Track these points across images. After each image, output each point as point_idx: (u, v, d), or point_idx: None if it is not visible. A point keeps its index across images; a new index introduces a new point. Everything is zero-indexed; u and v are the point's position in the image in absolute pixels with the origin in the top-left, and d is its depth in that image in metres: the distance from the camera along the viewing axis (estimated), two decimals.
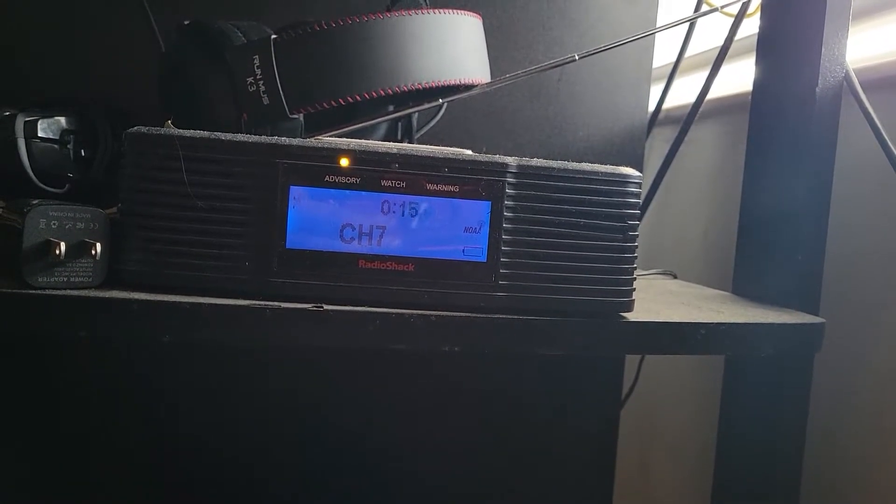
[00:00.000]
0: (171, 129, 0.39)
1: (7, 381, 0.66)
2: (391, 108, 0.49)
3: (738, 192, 0.59)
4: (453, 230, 0.39)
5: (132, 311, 0.36)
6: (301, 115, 0.45)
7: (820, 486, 0.56)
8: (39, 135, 0.48)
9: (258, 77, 0.44)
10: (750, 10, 0.61)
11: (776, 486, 0.53)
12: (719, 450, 0.58)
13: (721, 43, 0.64)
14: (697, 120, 0.66)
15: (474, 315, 0.39)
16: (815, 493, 0.56)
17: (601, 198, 0.40)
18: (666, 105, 0.76)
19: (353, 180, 0.38)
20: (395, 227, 0.39)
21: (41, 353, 0.66)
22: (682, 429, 0.77)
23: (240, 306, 0.37)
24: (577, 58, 0.49)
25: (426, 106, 0.48)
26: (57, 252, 0.35)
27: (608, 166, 0.40)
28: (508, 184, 0.39)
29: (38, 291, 0.35)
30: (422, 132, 0.58)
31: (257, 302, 0.37)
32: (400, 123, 0.55)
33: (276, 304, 0.37)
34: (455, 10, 0.48)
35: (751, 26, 0.61)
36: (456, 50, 0.48)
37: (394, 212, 0.39)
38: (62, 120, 0.49)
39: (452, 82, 0.48)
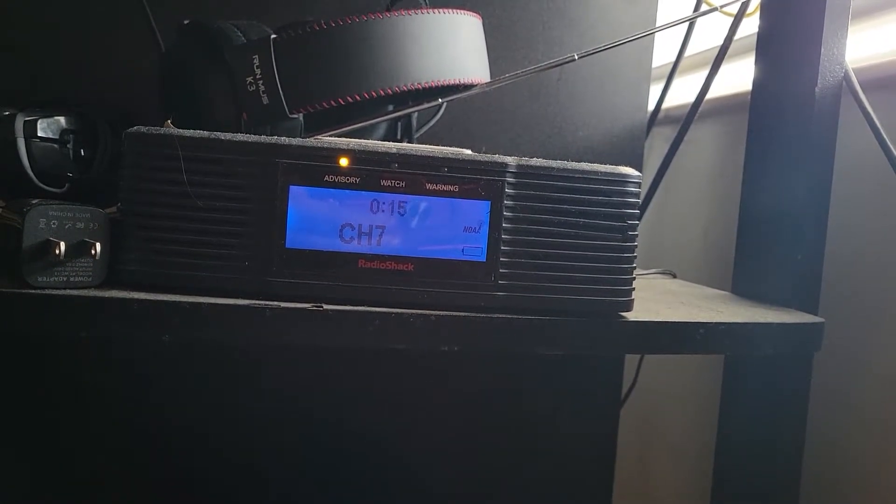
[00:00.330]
0: (170, 128, 0.39)
1: (6, 380, 0.66)
2: (391, 107, 0.49)
3: (737, 192, 0.59)
4: (453, 230, 0.39)
5: (132, 311, 0.36)
6: (301, 114, 0.45)
7: (820, 485, 0.56)
8: (39, 134, 0.47)
9: (258, 77, 0.44)
10: (749, 10, 0.61)
11: (776, 486, 0.53)
12: (719, 449, 0.58)
13: (720, 42, 0.64)
14: (697, 119, 0.66)
15: (474, 315, 0.39)
16: (815, 492, 0.56)
17: (601, 197, 0.40)
18: (665, 105, 0.76)
19: (352, 180, 0.38)
20: (394, 226, 0.39)
21: (40, 352, 0.66)
22: (682, 428, 0.77)
23: (239, 306, 0.37)
24: (576, 57, 0.49)
25: (426, 106, 0.48)
26: (57, 252, 0.35)
27: (608, 166, 0.40)
28: (508, 183, 0.39)
29: (38, 291, 0.35)
30: (421, 132, 0.58)
31: (257, 302, 0.37)
32: (399, 123, 0.55)
33: (275, 303, 0.37)
34: (455, 10, 0.48)
35: (750, 26, 0.61)
36: (455, 50, 0.48)
37: (393, 211, 0.39)
38: (62, 120, 0.49)
39: (452, 82, 0.48)
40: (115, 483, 0.68)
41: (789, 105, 0.53)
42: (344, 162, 0.38)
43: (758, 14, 0.58)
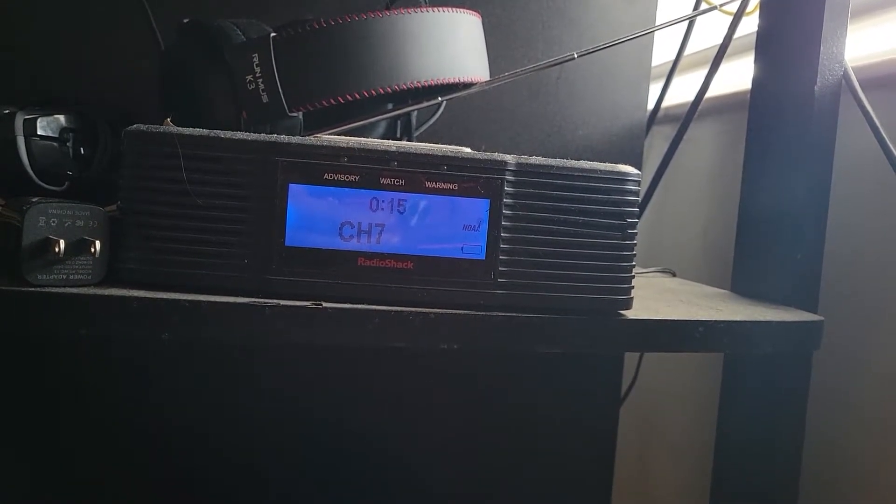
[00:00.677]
0: (170, 126, 0.39)
1: (6, 379, 0.66)
2: (390, 106, 0.49)
3: (737, 191, 0.59)
4: (452, 228, 0.39)
5: (131, 309, 0.36)
6: (300, 113, 0.45)
7: (819, 484, 0.56)
8: (39, 133, 0.47)
9: (257, 75, 0.44)
10: (749, 9, 0.61)
11: (775, 484, 0.53)
12: (718, 448, 0.58)
13: (720, 41, 0.64)
14: (696, 118, 0.66)
15: (473, 313, 0.39)
16: (814, 490, 0.56)
17: (600, 195, 0.40)
18: (665, 103, 0.76)
19: (352, 178, 0.38)
20: (394, 224, 0.39)
21: (40, 350, 0.66)
22: (682, 427, 0.77)
23: (239, 304, 0.37)
24: (575, 56, 0.49)
25: (425, 104, 0.49)
26: (56, 250, 0.35)
27: (607, 164, 0.40)
28: (507, 181, 0.39)
29: (38, 289, 0.35)
30: (421, 130, 0.58)
31: (256, 300, 0.37)
32: (399, 122, 0.55)
33: (275, 301, 0.37)
34: (454, 9, 0.48)
35: (750, 25, 0.61)
36: (455, 48, 0.48)
37: (393, 209, 0.39)
38: (62, 118, 0.49)
39: (451, 80, 0.48)
40: (114, 482, 0.68)
41: (789, 104, 0.53)
42: (343, 160, 0.38)
43: (757, 13, 0.58)
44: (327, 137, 0.41)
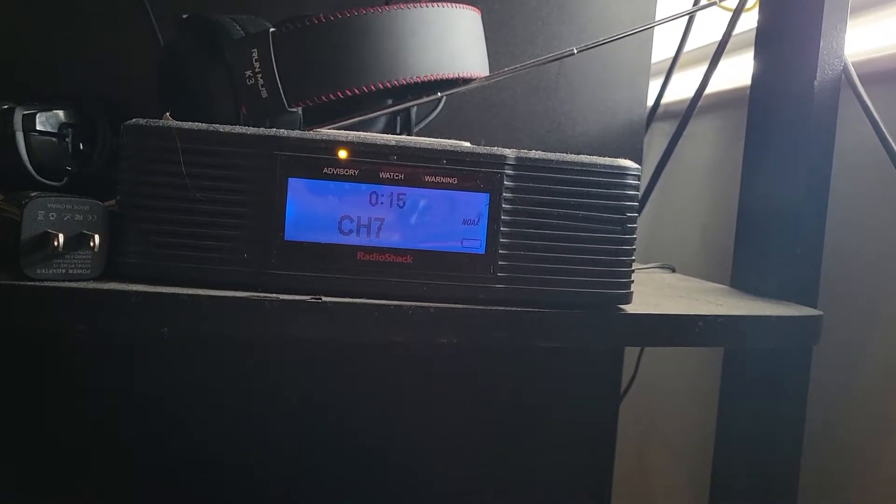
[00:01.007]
0: (169, 121, 0.39)
1: (4, 376, 0.66)
2: (390, 101, 0.49)
3: (736, 187, 0.59)
4: (452, 222, 0.39)
5: (131, 303, 0.36)
6: (299, 108, 0.45)
7: (819, 479, 0.56)
8: (38, 128, 0.48)
9: (256, 70, 0.44)
10: (748, 5, 0.61)
11: (775, 479, 0.53)
12: (718, 443, 0.58)
13: (720, 38, 0.64)
14: (696, 114, 0.66)
15: (472, 307, 0.39)
16: (814, 486, 0.56)
17: (600, 190, 0.40)
18: (665, 100, 0.76)
19: (351, 172, 0.38)
20: (393, 219, 0.39)
21: (39, 345, 0.66)
22: (682, 423, 0.77)
23: (238, 298, 0.37)
24: (575, 52, 0.49)
25: (425, 99, 0.48)
26: (55, 244, 0.35)
27: (607, 158, 0.40)
28: (507, 176, 0.39)
29: (37, 283, 0.35)
30: (420, 126, 0.58)
31: (256, 294, 0.37)
32: (398, 117, 0.55)
33: (274, 296, 0.37)
34: (454, 4, 0.48)
35: (749, 20, 0.61)
36: (455, 44, 0.48)
37: (392, 204, 0.39)
38: (60, 113, 0.49)
39: (451, 76, 0.48)
40: (114, 482, 0.68)
41: (788, 99, 0.53)
42: (343, 154, 0.38)
43: (756, 8, 0.58)
44: (326, 132, 0.41)
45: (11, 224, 0.36)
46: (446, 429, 0.74)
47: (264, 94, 0.44)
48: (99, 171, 0.50)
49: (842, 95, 0.52)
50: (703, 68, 0.65)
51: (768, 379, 0.53)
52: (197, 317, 0.37)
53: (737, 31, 0.63)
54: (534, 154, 0.40)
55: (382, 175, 0.39)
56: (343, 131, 0.42)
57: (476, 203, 0.39)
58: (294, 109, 0.44)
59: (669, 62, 0.74)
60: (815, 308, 0.50)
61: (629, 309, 0.41)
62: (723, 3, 0.61)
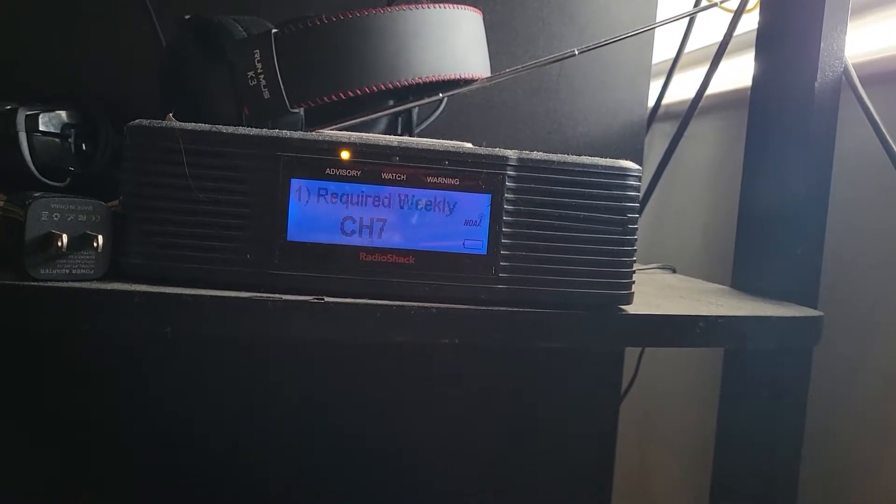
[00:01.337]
0: (172, 121, 0.39)
1: (7, 375, 0.66)
2: (391, 102, 0.49)
3: (737, 187, 0.59)
4: (454, 223, 0.39)
5: (134, 304, 0.36)
6: (302, 109, 0.45)
7: (819, 481, 0.56)
8: (41, 129, 0.48)
9: (259, 71, 0.44)
10: (749, 6, 0.61)
11: (775, 481, 0.53)
12: (718, 444, 0.58)
13: (720, 39, 0.64)
14: (696, 115, 0.66)
15: (474, 307, 0.39)
16: (815, 488, 0.56)
17: (601, 191, 0.40)
18: (665, 100, 0.76)
19: (353, 173, 0.39)
20: (395, 219, 0.39)
21: (41, 344, 0.66)
22: (682, 423, 0.78)
23: (241, 299, 0.37)
24: (576, 53, 0.49)
25: (426, 100, 0.49)
26: (59, 244, 0.35)
27: (608, 159, 0.41)
28: (508, 177, 0.39)
29: (41, 283, 0.35)
30: (422, 127, 0.58)
31: (259, 294, 0.37)
32: (400, 118, 0.55)
33: (277, 296, 0.37)
34: (456, 5, 0.48)
35: (750, 21, 0.61)
36: (456, 45, 0.48)
37: (394, 204, 0.39)
38: (63, 114, 0.49)
39: (453, 77, 0.48)
40: (113, 482, 0.68)
41: (789, 100, 0.53)
42: (345, 155, 0.38)
43: (757, 10, 0.58)
44: (329, 133, 0.41)
45: (15, 224, 0.36)
46: (446, 429, 0.74)
47: (266, 94, 0.44)
48: (101, 171, 0.50)
49: (842, 96, 0.52)
50: (703, 69, 0.65)
51: (769, 380, 0.53)
52: (199, 317, 0.37)
53: (738, 32, 0.63)
54: (536, 155, 0.40)
55: (385, 176, 0.39)
56: (345, 132, 0.42)
57: (478, 204, 0.39)
58: (296, 110, 0.44)
59: (670, 63, 0.74)
60: (816, 308, 0.51)
61: (630, 309, 0.42)
62: (723, 5, 0.61)
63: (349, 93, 0.44)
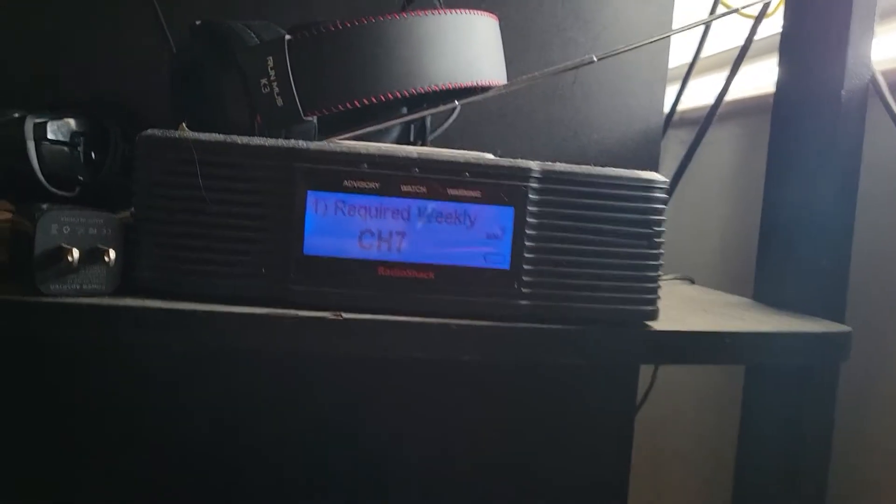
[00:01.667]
0: (185, 131, 0.38)
1: (15, 385, 0.65)
2: (405, 109, 0.48)
3: (756, 196, 0.58)
4: (475, 236, 0.38)
5: (146, 320, 0.35)
6: (315, 117, 0.44)
7: (845, 501, 0.55)
8: (49, 137, 0.47)
9: (272, 78, 0.43)
10: (769, 11, 0.60)
11: (799, 500, 0.51)
12: (739, 463, 0.57)
13: (738, 43, 0.63)
14: (714, 121, 0.65)
15: (496, 324, 0.38)
16: None
17: (626, 203, 0.39)
18: (680, 107, 0.75)
19: (372, 185, 0.37)
20: (414, 233, 0.38)
21: (49, 356, 0.65)
22: (698, 437, 0.76)
23: (257, 315, 0.36)
24: (595, 59, 0.48)
25: (441, 108, 0.47)
26: (70, 259, 0.34)
27: (634, 171, 0.39)
28: (532, 189, 0.38)
29: (51, 299, 0.34)
30: (435, 134, 0.57)
31: (274, 310, 0.36)
32: (413, 126, 0.54)
33: (293, 312, 0.36)
34: (471, 11, 0.47)
35: (770, 26, 0.60)
36: (472, 51, 0.47)
37: (414, 217, 0.38)
38: (72, 122, 0.48)
39: (468, 84, 0.47)
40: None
41: (814, 107, 0.52)
42: (363, 167, 0.37)
43: (777, 15, 0.57)
44: (346, 143, 0.40)
45: (24, 237, 0.35)
46: (459, 439, 0.73)
47: (280, 102, 0.43)
48: (111, 180, 0.49)
49: (869, 104, 0.51)
50: (720, 75, 0.64)
51: (794, 397, 0.51)
52: (214, 333, 0.36)
53: (757, 36, 0.62)
54: (560, 166, 0.39)
55: (404, 188, 0.38)
56: (363, 143, 0.41)
57: (500, 217, 0.38)
58: (310, 118, 0.43)
59: (684, 68, 0.73)
60: (843, 323, 0.49)
61: (655, 325, 0.40)
62: (743, 10, 0.60)
63: (364, 101, 0.43)
